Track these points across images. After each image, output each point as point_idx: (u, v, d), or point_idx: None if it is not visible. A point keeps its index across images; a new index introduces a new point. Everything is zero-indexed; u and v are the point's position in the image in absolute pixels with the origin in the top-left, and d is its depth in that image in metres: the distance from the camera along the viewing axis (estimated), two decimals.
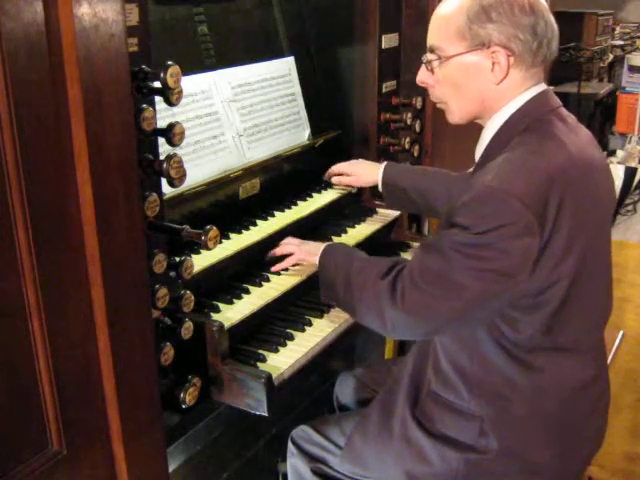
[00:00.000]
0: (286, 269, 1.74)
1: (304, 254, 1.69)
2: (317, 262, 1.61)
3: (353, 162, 2.07)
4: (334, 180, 2.09)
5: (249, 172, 1.85)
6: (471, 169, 1.56)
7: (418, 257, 1.36)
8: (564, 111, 1.43)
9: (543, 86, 1.42)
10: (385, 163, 1.99)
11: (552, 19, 1.38)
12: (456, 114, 1.48)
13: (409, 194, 1.93)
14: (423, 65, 1.48)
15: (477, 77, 1.39)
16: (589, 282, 1.38)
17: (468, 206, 1.29)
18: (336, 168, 2.07)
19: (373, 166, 2.02)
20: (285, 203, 1.96)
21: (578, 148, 1.36)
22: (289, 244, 1.74)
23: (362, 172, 2.02)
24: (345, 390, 1.95)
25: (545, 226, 1.27)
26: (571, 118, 1.44)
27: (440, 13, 1.42)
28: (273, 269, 1.72)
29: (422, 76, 1.49)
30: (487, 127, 1.44)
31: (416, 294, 1.32)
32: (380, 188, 1.98)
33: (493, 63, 1.36)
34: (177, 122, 1.25)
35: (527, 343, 1.38)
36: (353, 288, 1.45)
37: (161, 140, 1.27)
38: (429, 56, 1.45)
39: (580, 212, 1.31)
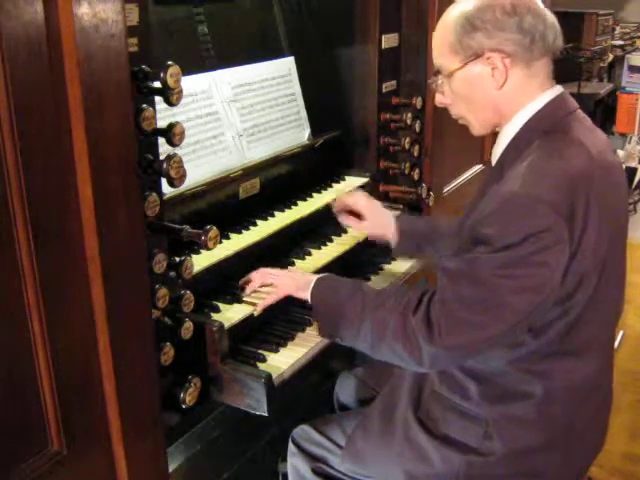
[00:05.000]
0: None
1: (293, 289, 1.54)
2: (308, 297, 1.51)
3: (369, 204, 1.88)
4: (345, 221, 1.90)
5: (249, 172, 1.84)
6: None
7: (449, 287, 1.29)
8: (581, 113, 1.42)
9: (559, 89, 1.41)
10: (396, 217, 1.85)
11: (542, 11, 1.36)
12: (476, 126, 1.49)
13: (422, 248, 1.83)
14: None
15: (482, 86, 1.40)
16: (608, 283, 1.37)
17: (494, 215, 1.26)
18: (351, 202, 1.89)
19: (387, 218, 1.85)
20: (285, 203, 1.95)
21: (598, 150, 1.35)
22: (268, 274, 1.60)
23: (376, 222, 1.85)
24: (346, 390, 1.95)
25: (574, 230, 1.25)
26: (587, 120, 1.43)
27: (435, 34, 1.45)
28: (255, 311, 1.54)
29: (438, 98, 1.51)
30: (504, 131, 1.43)
31: (457, 327, 1.27)
32: (393, 245, 1.85)
33: (492, 68, 1.37)
34: (177, 122, 1.25)
35: (544, 350, 1.36)
36: (372, 326, 1.38)
37: (161, 140, 1.26)
38: (436, 78, 1.47)
39: (603, 213, 1.30)
